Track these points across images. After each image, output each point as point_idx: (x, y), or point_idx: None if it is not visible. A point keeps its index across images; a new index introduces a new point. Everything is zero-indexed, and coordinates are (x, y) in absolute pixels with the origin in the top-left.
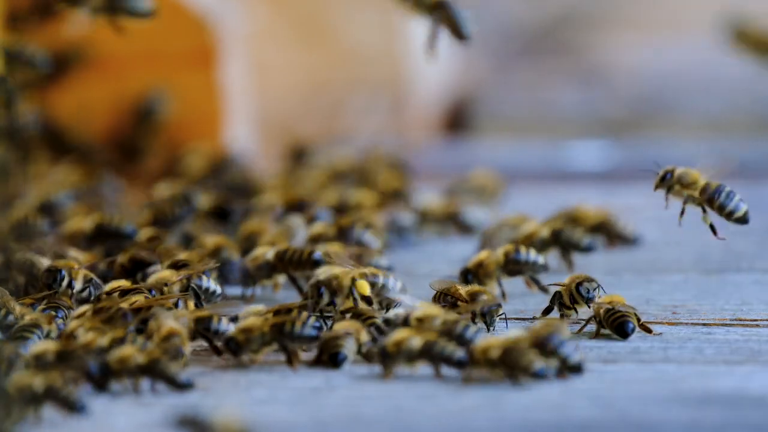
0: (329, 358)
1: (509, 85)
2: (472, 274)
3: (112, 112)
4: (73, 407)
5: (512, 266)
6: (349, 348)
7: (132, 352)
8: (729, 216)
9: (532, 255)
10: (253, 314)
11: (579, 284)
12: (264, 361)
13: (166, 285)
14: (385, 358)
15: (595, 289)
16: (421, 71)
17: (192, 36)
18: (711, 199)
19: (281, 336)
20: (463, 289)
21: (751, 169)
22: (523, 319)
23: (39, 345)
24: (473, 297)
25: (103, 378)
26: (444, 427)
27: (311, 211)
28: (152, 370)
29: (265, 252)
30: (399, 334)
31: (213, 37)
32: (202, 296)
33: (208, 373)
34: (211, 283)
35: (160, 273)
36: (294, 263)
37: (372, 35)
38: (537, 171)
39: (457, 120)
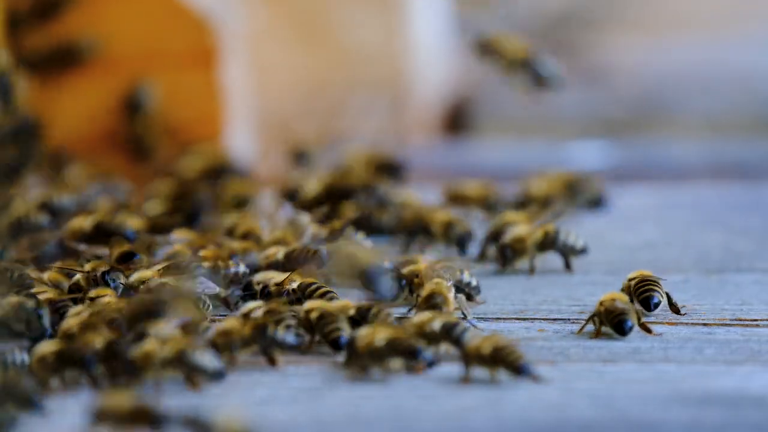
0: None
1: (509, 85)
2: (509, 248)
3: (112, 112)
4: (29, 405)
5: (549, 246)
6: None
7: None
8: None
9: (572, 238)
10: (254, 310)
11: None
12: (264, 361)
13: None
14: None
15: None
16: (421, 71)
17: (192, 36)
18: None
19: (263, 339)
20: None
21: (751, 169)
22: (523, 320)
23: (42, 346)
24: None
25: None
26: (444, 427)
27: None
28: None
29: (277, 252)
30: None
31: (213, 37)
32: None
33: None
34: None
35: (141, 272)
36: (301, 262)
37: (372, 35)
38: (537, 171)
39: (457, 120)
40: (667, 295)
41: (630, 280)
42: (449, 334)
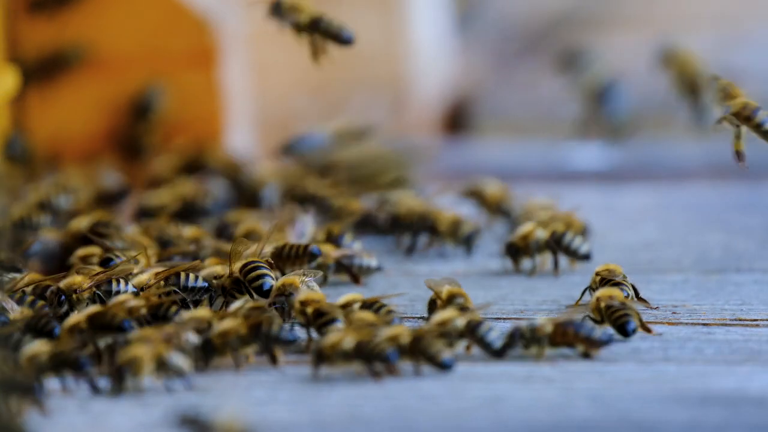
0: None
1: (509, 85)
2: (515, 248)
3: (112, 113)
4: (31, 396)
5: (554, 245)
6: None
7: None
8: (337, 38)
9: (577, 242)
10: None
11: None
12: (264, 361)
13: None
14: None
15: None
16: (421, 71)
17: (192, 36)
18: (316, 25)
19: (259, 337)
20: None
21: (751, 169)
22: (523, 320)
23: (32, 346)
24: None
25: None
26: (444, 427)
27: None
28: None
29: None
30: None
31: (213, 37)
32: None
33: (208, 373)
34: (198, 282)
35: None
36: (292, 258)
37: (372, 35)
38: (537, 171)
39: (457, 120)
40: (634, 288)
41: (596, 274)
42: (473, 332)
